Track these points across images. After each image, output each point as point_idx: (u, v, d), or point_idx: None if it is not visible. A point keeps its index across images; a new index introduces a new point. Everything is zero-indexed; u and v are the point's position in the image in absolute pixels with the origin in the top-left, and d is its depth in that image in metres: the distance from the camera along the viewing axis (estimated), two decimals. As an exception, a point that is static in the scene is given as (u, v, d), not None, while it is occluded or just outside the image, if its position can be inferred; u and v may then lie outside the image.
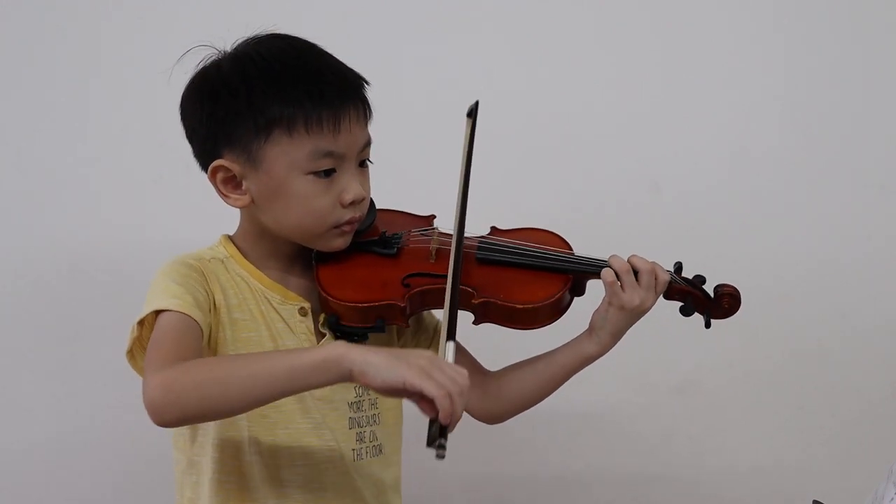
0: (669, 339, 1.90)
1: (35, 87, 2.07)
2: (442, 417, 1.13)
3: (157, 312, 1.32)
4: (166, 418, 1.22)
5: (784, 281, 2.18)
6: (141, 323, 1.34)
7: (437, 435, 1.13)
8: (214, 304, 1.40)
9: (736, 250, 2.18)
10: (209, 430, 1.42)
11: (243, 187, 1.41)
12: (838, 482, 1.99)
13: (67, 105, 2.07)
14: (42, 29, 2.06)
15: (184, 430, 1.46)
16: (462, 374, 1.16)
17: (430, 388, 1.12)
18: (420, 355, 1.16)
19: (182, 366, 1.23)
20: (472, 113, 1.48)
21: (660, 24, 2.18)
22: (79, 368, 2.06)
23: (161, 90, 2.05)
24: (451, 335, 1.25)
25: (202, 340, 1.34)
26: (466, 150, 1.44)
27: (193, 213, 2.05)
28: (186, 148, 1.84)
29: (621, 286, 1.45)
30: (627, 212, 2.17)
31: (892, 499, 1.29)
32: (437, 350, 1.35)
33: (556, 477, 2.21)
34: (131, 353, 1.36)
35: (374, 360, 1.15)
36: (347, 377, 1.16)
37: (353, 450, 1.47)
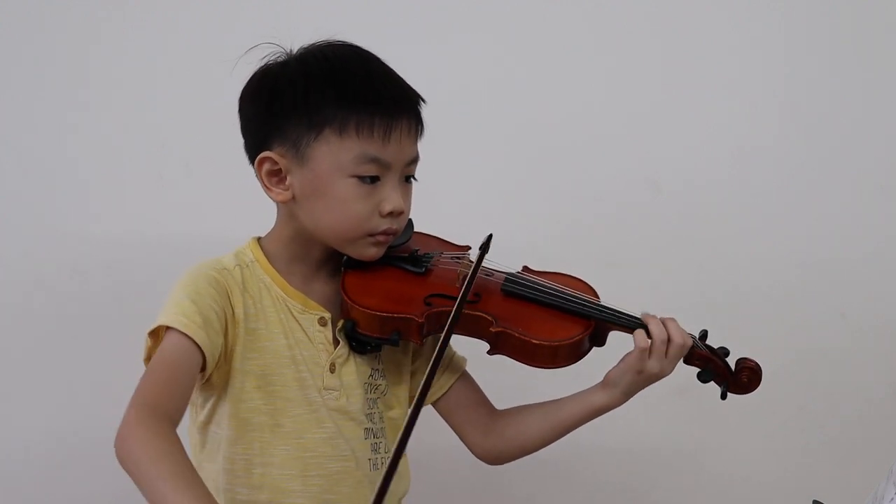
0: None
1: (35, 88, 2.07)
2: None
3: (167, 327, 1.32)
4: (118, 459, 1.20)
5: (784, 281, 2.18)
6: (153, 333, 1.34)
7: None
8: (234, 317, 1.39)
9: (736, 250, 2.18)
10: (220, 442, 1.42)
11: (287, 182, 1.41)
12: (838, 482, 1.98)
13: (67, 105, 2.07)
14: (42, 29, 2.06)
15: (196, 439, 1.46)
16: None
17: None
18: None
19: (148, 431, 1.19)
20: (485, 246, 1.49)
21: (660, 24, 2.17)
22: (79, 368, 2.05)
23: (161, 90, 2.07)
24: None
25: (198, 366, 1.32)
26: (470, 275, 1.43)
27: (193, 212, 2.06)
28: (186, 148, 1.84)
29: (649, 354, 1.44)
30: (627, 212, 2.17)
31: (892, 499, 1.29)
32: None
33: (555, 477, 2.21)
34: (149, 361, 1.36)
35: None
36: None
37: (370, 460, 1.47)
